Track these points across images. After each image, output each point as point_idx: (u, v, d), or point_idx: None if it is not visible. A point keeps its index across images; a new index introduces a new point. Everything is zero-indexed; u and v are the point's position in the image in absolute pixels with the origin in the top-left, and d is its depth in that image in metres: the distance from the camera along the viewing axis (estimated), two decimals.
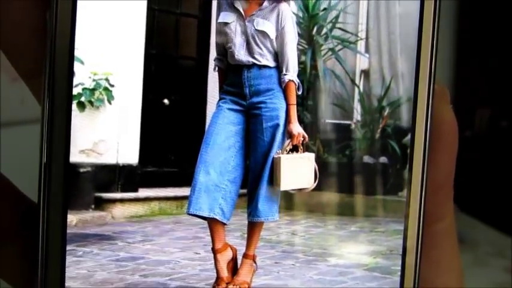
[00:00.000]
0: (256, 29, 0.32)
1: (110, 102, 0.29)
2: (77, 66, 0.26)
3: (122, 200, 0.30)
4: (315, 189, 0.33)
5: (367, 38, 0.34)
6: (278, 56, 0.33)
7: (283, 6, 0.32)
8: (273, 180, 0.33)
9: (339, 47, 0.34)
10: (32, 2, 0.27)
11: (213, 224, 0.33)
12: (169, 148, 0.32)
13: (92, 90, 0.28)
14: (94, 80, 0.28)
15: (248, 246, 0.33)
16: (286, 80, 0.33)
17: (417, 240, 0.31)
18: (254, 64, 0.33)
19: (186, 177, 0.31)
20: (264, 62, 0.33)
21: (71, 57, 0.26)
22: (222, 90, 0.34)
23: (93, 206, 0.29)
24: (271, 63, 0.33)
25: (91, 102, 0.28)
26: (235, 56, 0.33)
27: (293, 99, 0.33)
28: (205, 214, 0.33)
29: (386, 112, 0.32)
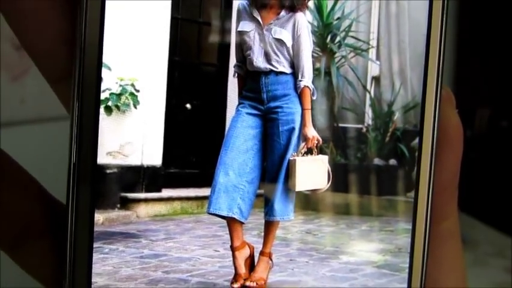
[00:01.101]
0: (273, 37, 0.32)
1: (135, 107, 0.28)
2: (104, 72, 0.26)
3: (146, 200, 0.30)
4: (328, 190, 0.32)
5: (378, 45, 0.33)
6: (294, 63, 0.32)
7: (299, 15, 0.31)
8: (289, 181, 0.32)
9: (352, 54, 0.33)
10: (61, 10, 0.26)
11: (231, 223, 0.32)
12: (191, 150, 0.31)
13: (119, 95, 0.27)
14: (120, 86, 0.27)
15: (265, 244, 0.32)
16: (302, 86, 0.32)
17: (424, 238, 0.30)
18: (271, 71, 0.32)
19: (206, 178, 0.31)
20: (280, 68, 0.33)
21: (99, 64, 0.26)
22: (241, 96, 0.33)
23: (118, 206, 0.28)
24: (288, 70, 0.32)
25: (118, 107, 0.27)
26: (254, 63, 0.32)
27: (308, 104, 0.32)
28: (224, 213, 0.32)
29: (395, 117, 0.32)
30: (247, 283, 0.31)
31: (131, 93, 0.28)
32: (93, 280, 0.26)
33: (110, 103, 0.27)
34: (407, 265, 0.29)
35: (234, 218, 0.33)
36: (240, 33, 0.32)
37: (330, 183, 0.32)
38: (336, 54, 0.33)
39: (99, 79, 0.25)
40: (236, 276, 0.31)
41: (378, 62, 0.33)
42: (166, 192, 0.31)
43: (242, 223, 0.33)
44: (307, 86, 0.32)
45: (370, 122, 0.33)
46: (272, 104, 0.33)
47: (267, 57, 0.32)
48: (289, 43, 0.32)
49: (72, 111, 0.26)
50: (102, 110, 0.26)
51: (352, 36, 0.33)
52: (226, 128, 0.32)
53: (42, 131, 0.82)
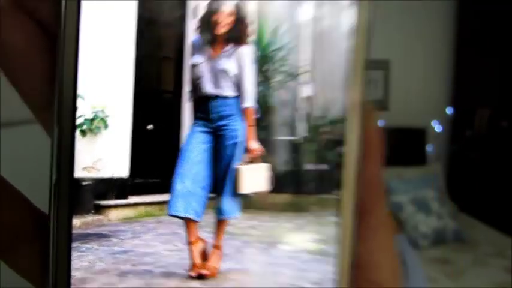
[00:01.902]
0: (220, 68, 0.35)
1: (105, 129, 0.31)
2: (79, 101, 0.27)
3: (115, 206, 0.32)
4: (269, 192, 0.34)
5: (310, 69, 0.36)
6: (239, 88, 0.35)
7: (242, 48, 0.35)
8: (235, 185, 0.35)
9: (288, 78, 0.36)
10: (41, 50, 0.26)
11: (188, 222, 0.35)
12: (153, 164, 0.34)
13: (91, 120, 0.30)
14: (93, 112, 0.30)
15: (216, 238, 0.35)
16: (245, 107, 0.35)
17: (349, 229, 0.30)
18: (219, 95, 0.35)
19: (166, 186, 0.33)
20: (226, 93, 0.36)
21: (74, 96, 0.26)
22: (194, 116, 0.36)
23: (93, 211, 0.30)
24: (233, 94, 0.36)
25: (91, 130, 0.30)
26: (204, 90, 0.35)
27: (251, 122, 0.35)
28: (182, 215, 0.35)
29: (325, 129, 0.34)
30: (202, 271, 0.33)
31: (102, 119, 0.30)
32: (72, 274, 0.27)
33: (84, 127, 0.29)
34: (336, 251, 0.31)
35: (190, 218, 0.35)
36: (193, 65, 0.35)
37: (270, 186, 0.33)
38: (275, 79, 0.35)
39: (75, 108, 0.27)
40: (193, 266, 0.33)
41: (310, 84, 0.36)
42: (132, 199, 0.33)
43: (197, 222, 0.35)
44: (250, 107, 0.35)
45: (304, 135, 0.36)
46: (220, 123, 0.36)
47: (215, 84, 0.35)
48: (234, 72, 0.35)
49: (53, 135, 0.26)
50: (78, 132, 0.27)
51: (287, 64, 0.35)
52: (182, 144, 0.34)
53: (42, 131, 0.76)
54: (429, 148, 4.15)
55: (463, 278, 2.61)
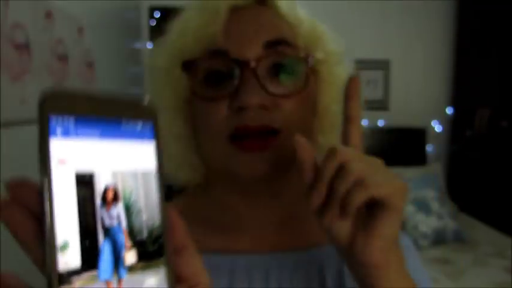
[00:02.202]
0: (112, 214, 0.55)
1: (68, 249, 0.43)
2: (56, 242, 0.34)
3: (77, 280, 0.42)
4: (138, 261, 0.48)
5: (144, 206, 0.52)
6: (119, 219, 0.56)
7: (118, 204, 0.55)
8: (124, 261, 0.52)
9: (139, 213, 0.54)
10: (32, 223, 0.31)
11: (107, 281, 0.48)
12: (91, 259, 0.46)
13: (62, 247, 0.40)
14: (63, 242, 0.41)
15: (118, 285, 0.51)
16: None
17: (170, 266, 0.41)
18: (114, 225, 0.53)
19: (95, 269, 0.46)
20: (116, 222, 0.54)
21: (55, 241, 0.35)
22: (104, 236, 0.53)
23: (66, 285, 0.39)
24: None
25: (62, 250, 0.40)
26: (106, 224, 0.53)
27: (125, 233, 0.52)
28: (104, 279, 0.48)
29: (156, 231, 0.50)
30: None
31: (67, 245, 0.43)
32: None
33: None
34: None
35: (108, 279, 0.48)
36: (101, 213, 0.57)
37: (138, 258, 0.53)
38: (133, 215, 0.55)
39: (56, 248, 0.35)
40: None
41: (143, 213, 0.55)
42: (83, 276, 0.44)
43: (111, 280, 0.48)
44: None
45: (146, 236, 0.52)
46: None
47: (110, 220, 0.56)
48: (118, 214, 0.56)
49: (44, 266, 0.33)
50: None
51: (137, 209, 0.54)
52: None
53: None
54: (429, 148, 3.84)
55: (463, 278, 2.39)
